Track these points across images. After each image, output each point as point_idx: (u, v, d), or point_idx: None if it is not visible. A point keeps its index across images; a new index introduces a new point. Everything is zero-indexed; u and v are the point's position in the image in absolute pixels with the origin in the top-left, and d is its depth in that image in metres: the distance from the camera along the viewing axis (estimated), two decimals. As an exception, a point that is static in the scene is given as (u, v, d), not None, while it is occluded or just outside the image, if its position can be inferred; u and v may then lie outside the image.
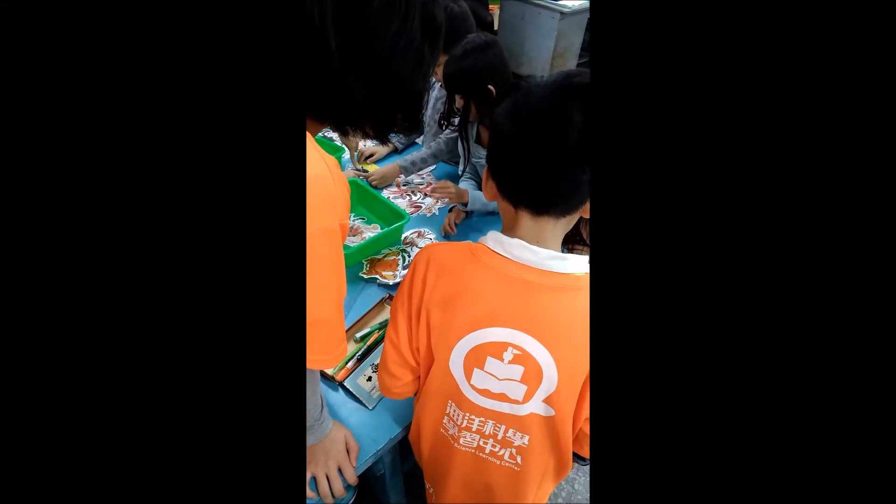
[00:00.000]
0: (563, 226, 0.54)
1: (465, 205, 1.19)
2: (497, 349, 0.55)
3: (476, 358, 0.57)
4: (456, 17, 1.17)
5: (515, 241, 0.53)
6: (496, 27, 3.21)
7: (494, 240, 0.55)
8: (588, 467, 1.38)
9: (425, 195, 1.32)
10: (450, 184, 1.19)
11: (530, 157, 0.49)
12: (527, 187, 0.52)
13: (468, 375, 0.59)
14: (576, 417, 0.59)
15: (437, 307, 0.57)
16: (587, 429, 0.61)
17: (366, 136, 0.51)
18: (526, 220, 0.53)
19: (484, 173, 0.56)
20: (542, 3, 2.87)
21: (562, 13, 2.80)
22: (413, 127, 0.52)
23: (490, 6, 3.15)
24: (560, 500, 1.32)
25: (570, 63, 3.20)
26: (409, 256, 1.11)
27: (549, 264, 0.53)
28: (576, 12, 2.86)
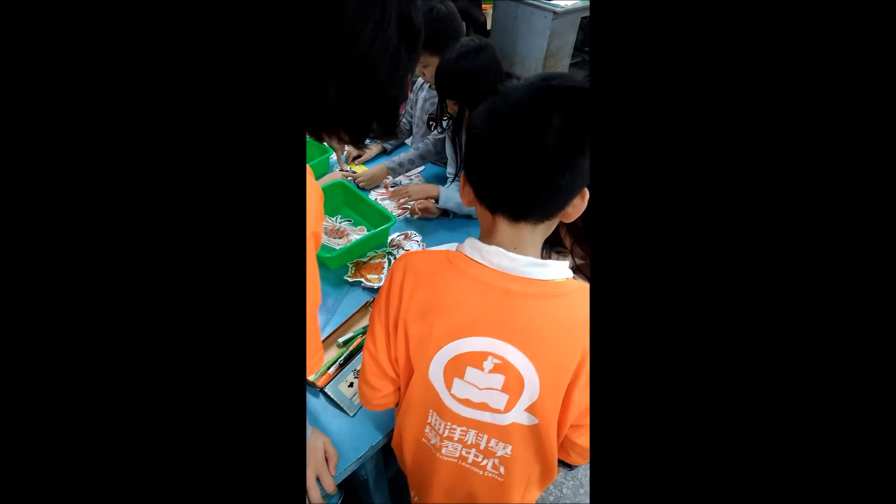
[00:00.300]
0: (542, 231, 0.53)
1: (437, 200, 1.20)
2: (477, 359, 0.54)
3: (456, 368, 0.56)
4: (442, 18, 1.15)
5: (493, 248, 0.52)
6: (489, 27, 3.20)
7: (472, 247, 0.54)
8: (576, 472, 1.37)
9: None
10: (409, 189, 1.21)
11: (506, 160, 0.48)
12: (503, 192, 0.50)
13: (448, 385, 0.58)
14: (560, 424, 0.58)
15: (414, 318, 0.56)
16: (573, 436, 0.60)
17: (341, 141, 0.49)
18: (503, 226, 0.52)
19: (461, 178, 0.55)
20: (535, 2, 2.86)
21: (554, 13, 2.79)
22: (389, 132, 0.50)
23: (483, 6, 3.14)
24: (549, 501, 1.31)
25: (563, 63, 3.19)
26: (395, 258, 1.10)
27: (529, 271, 0.52)
28: (568, 12, 2.85)
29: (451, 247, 0.58)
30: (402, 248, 1.14)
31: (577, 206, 0.52)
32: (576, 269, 0.67)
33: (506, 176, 0.49)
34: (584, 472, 1.36)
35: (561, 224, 0.55)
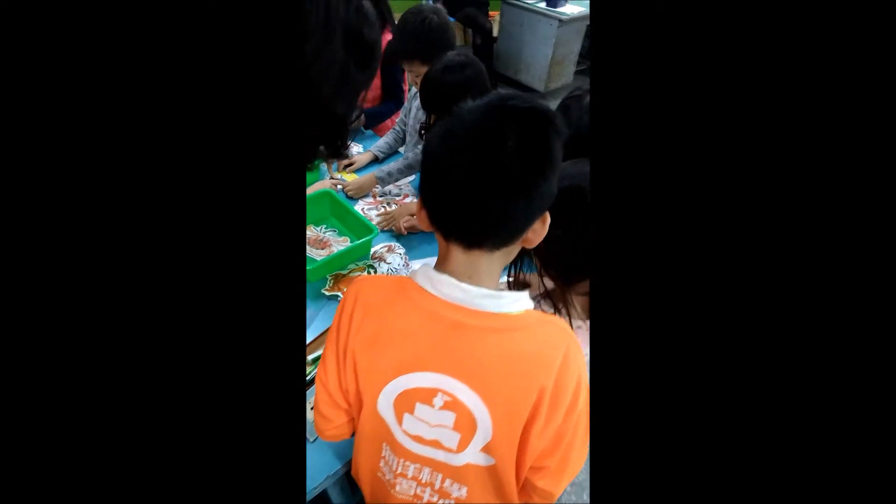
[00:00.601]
0: (499, 259, 0.49)
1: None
2: (426, 395, 0.50)
3: (405, 403, 0.52)
4: (434, 29, 1.13)
5: (445, 277, 0.48)
6: (495, 33, 3.18)
7: (424, 275, 0.50)
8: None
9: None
10: (393, 213, 1.22)
11: (460, 183, 0.44)
12: (457, 217, 0.47)
13: (399, 420, 0.54)
14: (519, 465, 0.54)
15: (362, 349, 0.52)
16: (533, 478, 0.56)
17: None
18: (458, 253, 0.48)
19: (417, 202, 0.51)
20: (541, 10, 2.83)
21: (560, 20, 2.76)
22: (337, 153, 0.47)
23: (490, 13, 3.12)
24: None
25: (569, 70, 3.15)
26: (376, 272, 1.07)
27: (482, 303, 0.48)
28: (574, 19, 2.81)
29: (400, 272, 0.54)
30: (385, 261, 1.10)
31: (538, 232, 0.48)
32: (545, 295, 0.64)
33: (459, 200, 0.45)
34: (565, 497, 1.32)
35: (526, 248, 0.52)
